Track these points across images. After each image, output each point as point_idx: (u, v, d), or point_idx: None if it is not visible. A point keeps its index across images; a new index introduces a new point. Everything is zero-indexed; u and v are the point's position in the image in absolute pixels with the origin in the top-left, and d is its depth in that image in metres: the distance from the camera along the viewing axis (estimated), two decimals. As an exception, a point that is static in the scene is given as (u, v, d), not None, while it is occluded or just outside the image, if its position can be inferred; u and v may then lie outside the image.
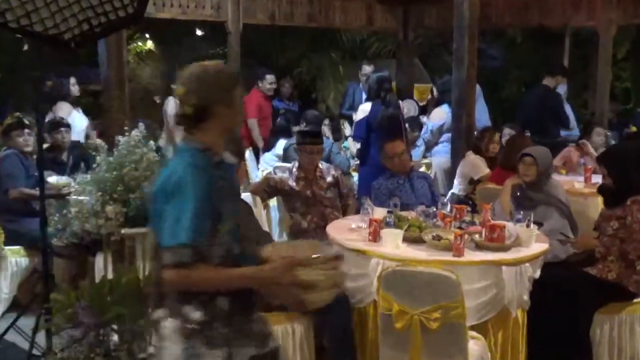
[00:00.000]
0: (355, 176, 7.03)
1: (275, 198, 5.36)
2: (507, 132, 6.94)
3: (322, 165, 5.22)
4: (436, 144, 7.89)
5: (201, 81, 2.12)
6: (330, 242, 3.90)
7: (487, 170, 6.26)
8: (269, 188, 5.08)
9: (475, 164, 6.39)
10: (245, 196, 4.71)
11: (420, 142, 8.23)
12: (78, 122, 7.19)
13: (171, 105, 8.04)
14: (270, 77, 8.66)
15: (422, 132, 8.16)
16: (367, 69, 8.88)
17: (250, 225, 3.59)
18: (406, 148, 5.34)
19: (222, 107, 2.14)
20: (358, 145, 6.81)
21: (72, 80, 7.45)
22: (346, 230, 4.18)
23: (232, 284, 2.09)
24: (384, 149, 5.27)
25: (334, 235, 4.04)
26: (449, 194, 6.54)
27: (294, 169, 5.10)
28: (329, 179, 5.17)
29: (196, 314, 2.09)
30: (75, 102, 7.61)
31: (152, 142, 4.31)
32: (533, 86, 8.41)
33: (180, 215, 2.00)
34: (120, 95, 5.51)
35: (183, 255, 2.00)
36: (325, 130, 7.80)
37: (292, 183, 5.04)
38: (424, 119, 8.73)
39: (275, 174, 5.53)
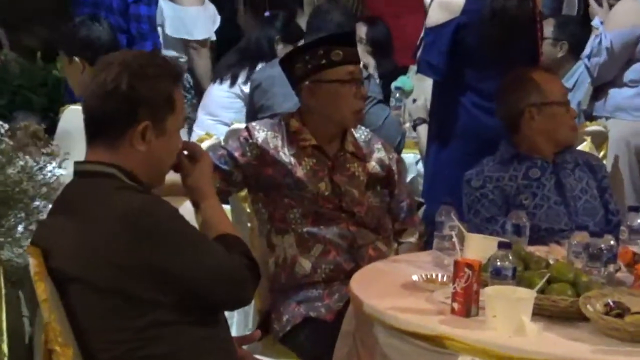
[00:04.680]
0: (415, 160, 6.10)
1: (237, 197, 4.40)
2: None
3: (360, 131, 4.22)
4: (619, 84, 6.89)
5: None
6: (353, 320, 3.36)
7: None
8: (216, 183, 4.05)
9: None
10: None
11: (577, 77, 7.27)
12: None
13: None
14: None
15: (585, 55, 7.07)
16: None
17: None
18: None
19: None
20: (430, 86, 5.73)
21: None
22: (399, 288, 3.53)
23: None
24: (499, 92, 4.39)
25: (369, 301, 3.30)
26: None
27: (287, 127, 4.07)
28: (373, 164, 4.14)
29: None
30: None
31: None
32: None
33: None
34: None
35: None
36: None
37: (284, 156, 4.02)
38: (595, 22, 7.56)
39: (227, 145, 4.36)
